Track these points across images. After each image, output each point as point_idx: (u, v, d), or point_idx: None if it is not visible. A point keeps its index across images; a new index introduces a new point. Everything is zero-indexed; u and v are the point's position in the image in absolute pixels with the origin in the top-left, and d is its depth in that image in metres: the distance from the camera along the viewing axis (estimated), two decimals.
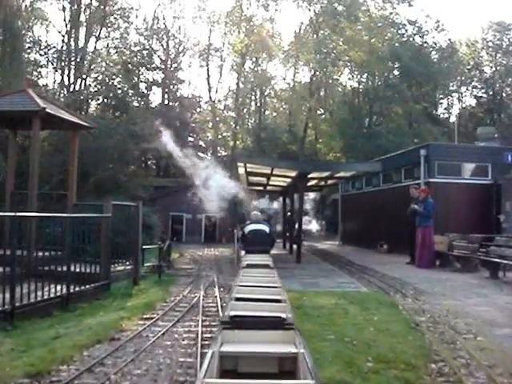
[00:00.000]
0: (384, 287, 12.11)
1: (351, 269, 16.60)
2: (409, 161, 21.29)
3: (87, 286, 10.56)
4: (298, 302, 9.35)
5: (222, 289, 11.46)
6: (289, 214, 25.44)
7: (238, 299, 3.99)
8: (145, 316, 8.46)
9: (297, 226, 26.04)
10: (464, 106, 57.39)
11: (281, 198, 26.19)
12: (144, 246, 13.32)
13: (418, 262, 16.63)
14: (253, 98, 53.42)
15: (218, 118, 49.87)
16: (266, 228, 11.06)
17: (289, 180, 19.82)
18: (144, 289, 11.48)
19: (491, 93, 53.92)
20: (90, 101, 38.09)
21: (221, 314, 7.68)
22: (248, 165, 16.94)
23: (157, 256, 15.83)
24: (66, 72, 38.10)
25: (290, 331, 3.24)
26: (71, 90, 37.17)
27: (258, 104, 52.15)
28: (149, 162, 47.56)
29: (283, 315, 3.40)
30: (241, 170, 18.63)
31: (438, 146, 21.82)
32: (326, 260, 19.79)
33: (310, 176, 17.42)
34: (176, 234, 32.03)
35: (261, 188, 24.40)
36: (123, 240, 12.51)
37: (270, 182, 21.56)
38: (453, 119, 55.44)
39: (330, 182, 20.51)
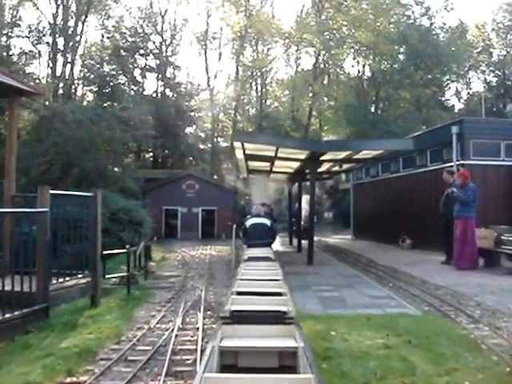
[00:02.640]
0: (435, 303, 8.53)
1: (378, 272, 12.99)
2: (437, 141, 17.56)
3: (16, 313, 6.99)
4: (324, 341, 5.77)
5: (209, 312, 7.86)
6: (296, 205, 21.87)
7: (238, 293, 3.93)
8: (67, 381, 4.85)
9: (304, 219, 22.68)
10: (472, 92, 53.62)
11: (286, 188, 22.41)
12: (106, 252, 9.62)
13: (458, 262, 12.94)
14: (253, 85, 49.81)
15: (217, 108, 46.27)
16: (267, 221, 10.88)
17: (296, 165, 16.18)
18: (99, 314, 7.85)
19: (502, 77, 50.08)
20: (75, 86, 34.36)
21: (198, 366, 4.77)
22: (247, 146, 13.30)
23: (136, 261, 12.34)
24: (49, 55, 34.45)
25: (290, 325, 3.18)
26: (58, 74, 33.61)
27: (259, 92, 48.41)
28: (147, 155, 44.03)
29: (284, 308, 3.36)
30: (239, 154, 14.98)
31: (474, 122, 18.11)
32: (342, 259, 16.17)
33: (323, 158, 13.75)
34: (170, 230, 28.45)
35: (263, 175, 20.73)
36: (75, 244, 8.83)
37: (274, 169, 17.90)
38: (460, 106, 52.26)
39: (345, 166, 16.76)
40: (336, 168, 16.97)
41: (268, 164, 16.70)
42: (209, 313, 7.78)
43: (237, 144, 13.19)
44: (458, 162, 16.26)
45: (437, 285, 10.35)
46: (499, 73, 50.15)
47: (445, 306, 8.26)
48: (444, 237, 14.18)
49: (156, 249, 20.13)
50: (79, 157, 25.38)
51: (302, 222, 20.16)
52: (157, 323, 7.17)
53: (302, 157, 14.06)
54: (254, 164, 17.34)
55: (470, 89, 53.97)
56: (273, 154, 14.01)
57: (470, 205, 12.81)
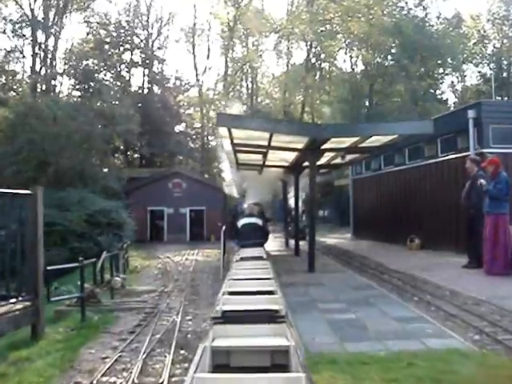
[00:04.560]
0: (485, 328, 6.34)
1: (392, 280, 10.80)
2: (449, 127, 15.35)
3: None
4: None
5: (182, 351, 5.61)
6: (291, 202, 19.69)
7: (230, 293, 3.93)
8: None
9: (301, 219, 20.46)
10: (467, 84, 51.70)
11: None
12: (51, 267, 7.31)
13: (489, 267, 10.74)
14: (244, 81, 47.65)
15: (206, 105, 43.92)
16: (259, 221, 10.81)
17: (293, 156, 13.93)
18: (30, 357, 5.59)
19: (497, 69, 48.08)
20: (55, 81, 31.94)
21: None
22: (236, 134, 11.05)
23: (106, 272, 10.13)
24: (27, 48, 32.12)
25: (282, 324, 3.17)
26: (36, 69, 31.25)
27: (250, 88, 46.23)
28: (135, 155, 41.66)
29: (275, 307, 3.36)
30: (226, 145, 12.71)
31: (494, 105, 16.02)
32: (346, 264, 13.97)
33: (324, 147, 11.50)
34: (156, 233, 26.13)
35: (254, 171, 18.41)
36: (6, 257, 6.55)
37: (268, 162, 15.64)
38: (454, 100, 50.37)
39: (348, 158, 14.47)
40: (337, 160, 14.69)
41: (260, 157, 14.40)
42: (182, 352, 5.53)
43: (223, 131, 10.95)
44: (475, 151, 14.10)
45: (474, 298, 8.17)
46: (494, 65, 48.18)
47: (501, 333, 6.07)
48: (468, 236, 12.03)
49: (137, 254, 17.91)
50: (56, 154, 23.05)
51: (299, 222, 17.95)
52: (104, 373, 4.92)
53: (300, 146, 11.81)
54: (244, 157, 15.07)
55: (465, 82, 52.16)
56: (266, 142, 11.76)
57: (502, 199, 10.62)
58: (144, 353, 5.51)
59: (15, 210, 6.70)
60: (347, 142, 11.65)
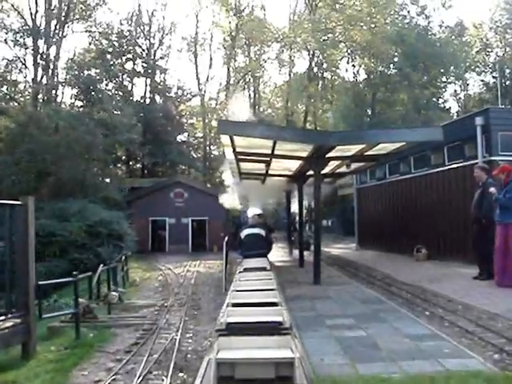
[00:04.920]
0: (505, 346, 5.92)
1: (401, 293, 10.36)
2: (456, 135, 14.93)
3: None
4: None
5: (180, 374, 5.20)
6: (294, 212, 19.31)
7: (234, 305, 3.91)
8: None
9: (305, 229, 20.07)
10: (469, 93, 51.43)
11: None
12: (42, 282, 6.90)
13: (500, 279, 10.29)
14: (246, 91, 47.33)
15: (208, 114, 43.60)
16: (262, 232, 10.71)
17: (297, 165, 13.56)
18: (17, 381, 5.18)
19: (500, 77, 47.72)
20: (56, 90, 31.65)
21: None
22: (238, 142, 10.68)
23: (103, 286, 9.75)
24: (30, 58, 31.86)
25: (287, 336, 3.16)
26: (38, 79, 31.00)
27: (252, 98, 45.86)
28: (137, 165, 41.32)
29: (279, 319, 3.34)
30: (228, 153, 12.30)
31: (502, 111, 15.60)
32: (353, 275, 13.53)
33: (329, 155, 11.12)
34: (158, 243, 25.70)
35: (258, 180, 18.01)
36: None
37: (271, 171, 15.26)
38: (457, 108, 50.06)
39: (353, 167, 14.00)
40: (342, 169, 14.30)
41: (263, 166, 14.02)
42: (181, 375, 5.13)
43: (225, 139, 10.57)
44: (483, 159, 13.69)
45: (488, 312, 7.73)
46: (497, 74, 47.83)
47: None
48: (477, 246, 11.59)
49: (138, 266, 17.52)
50: (56, 164, 22.74)
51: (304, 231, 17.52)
52: None
53: (304, 154, 11.43)
54: (247, 166, 14.68)
55: (467, 90, 51.89)
56: (269, 151, 11.39)
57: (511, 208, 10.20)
58: (140, 376, 5.10)
59: (4, 222, 6.29)
60: (353, 149, 11.27)
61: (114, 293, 8.64)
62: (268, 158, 12.62)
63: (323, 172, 13.15)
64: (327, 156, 11.25)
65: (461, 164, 14.94)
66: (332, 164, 13.14)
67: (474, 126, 14.03)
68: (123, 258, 14.71)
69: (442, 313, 8.11)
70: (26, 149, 22.90)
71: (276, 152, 11.53)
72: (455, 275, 12.42)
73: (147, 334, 7.02)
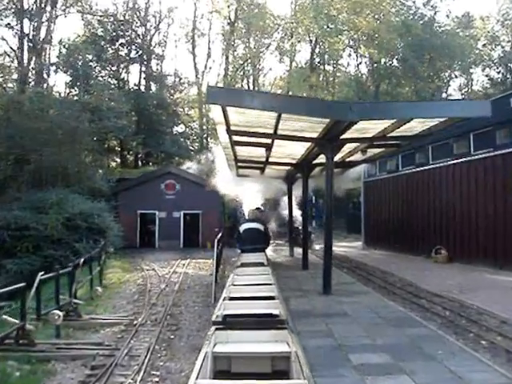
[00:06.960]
0: None
1: (435, 308, 8.23)
2: (486, 119, 12.74)
3: None
4: None
5: None
6: (297, 205, 17.22)
7: (231, 298, 3.86)
8: None
9: (311, 226, 17.99)
10: (473, 88, 49.25)
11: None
12: None
13: None
14: (245, 83, 45.05)
15: (206, 106, 41.26)
16: (260, 227, 10.64)
17: (303, 150, 11.32)
18: None
19: (504, 73, 45.55)
20: (44, 75, 29.32)
21: None
22: (233, 118, 8.46)
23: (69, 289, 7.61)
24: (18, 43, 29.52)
25: (284, 330, 3.06)
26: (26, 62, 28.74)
27: (251, 87, 43.57)
28: (130, 157, 38.95)
29: (275, 311, 3.29)
30: (221, 132, 9.98)
31: None
32: (367, 281, 11.38)
33: (344, 137, 8.90)
34: (147, 239, 23.41)
35: (256, 170, 15.73)
36: None
37: (272, 159, 13.04)
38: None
39: (370, 153, 11.69)
40: (355, 156, 12.05)
41: (263, 151, 11.76)
42: None
43: (217, 114, 8.34)
44: None
45: None
46: (502, 70, 45.64)
47: None
48: None
49: (119, 264, 15.31)
50: (36, 151, 20.45)
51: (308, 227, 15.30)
52: None
53: (315, 135, 9.20)
54: (244, 152, 12.45)
55: (472, 86, 49.75)
56: (271, 130, 9.17)
57: None
58: None
59: None
60: (374, 130, 9.04)
61: (55, 311, 6.36)
62: (269, 141, 10.41)
63: (337, 158, 10.91)
64: (342, 138, 9.04)
65: (491, 154, 12.78)
66: (345, 150, 10.93)
67: (509, 108, 11.91)
68: (103, 256, 12.65)
69: (502, 342, 5.95)
70: (5, 134, 20.64)
71: (279, 132, 9.30)
72: (488, 282, 10.34)
73: (96, 375, 4.81)
